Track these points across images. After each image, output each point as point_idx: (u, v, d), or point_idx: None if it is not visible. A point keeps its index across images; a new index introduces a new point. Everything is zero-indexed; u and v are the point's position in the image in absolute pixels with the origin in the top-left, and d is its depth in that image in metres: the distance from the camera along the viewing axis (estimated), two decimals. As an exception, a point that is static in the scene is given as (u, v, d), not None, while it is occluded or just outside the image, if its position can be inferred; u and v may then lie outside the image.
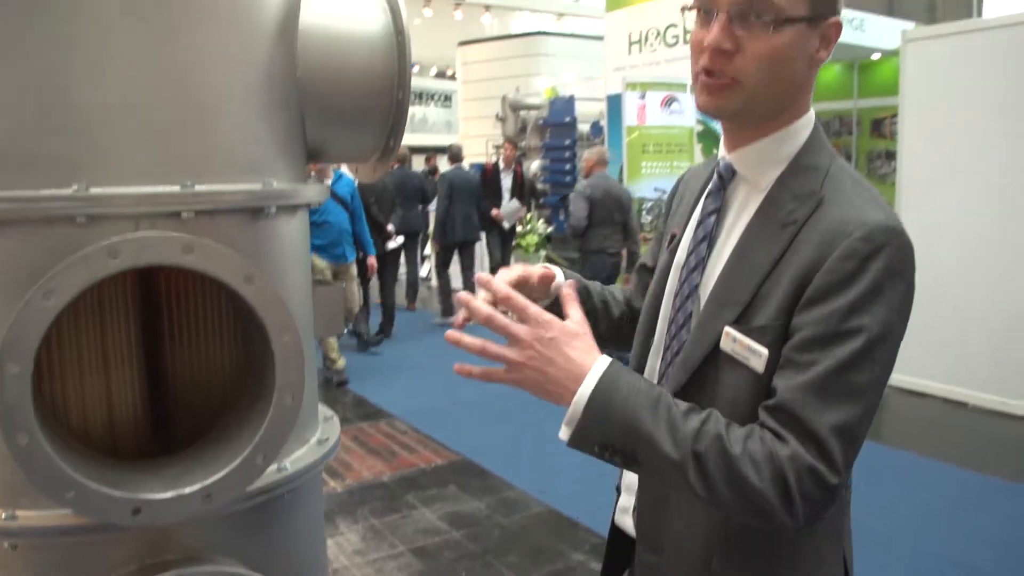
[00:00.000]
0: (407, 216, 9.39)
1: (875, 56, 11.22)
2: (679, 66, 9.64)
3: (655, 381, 1.37)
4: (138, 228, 1.23)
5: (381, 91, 1.55)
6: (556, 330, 1.14)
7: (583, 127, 12.34)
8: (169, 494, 1.20)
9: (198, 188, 1.26)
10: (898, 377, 5.86)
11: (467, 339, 1.14)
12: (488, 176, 9.79)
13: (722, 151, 1.36)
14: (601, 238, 6.85)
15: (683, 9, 1.28)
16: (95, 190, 1.20)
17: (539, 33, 18.02)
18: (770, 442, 1.09)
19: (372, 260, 7.40)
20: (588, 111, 12.49)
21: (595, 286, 1.66)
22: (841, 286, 1.12)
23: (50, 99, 1.20)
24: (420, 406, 6.09)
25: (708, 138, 9.34)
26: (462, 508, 4.17)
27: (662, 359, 1.37)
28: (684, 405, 1.14)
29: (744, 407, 1.18)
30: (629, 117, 8.65)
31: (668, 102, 8.81)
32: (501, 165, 9.94)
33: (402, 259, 9.72)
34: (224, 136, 1.33)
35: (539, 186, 12.35)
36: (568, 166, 12.37)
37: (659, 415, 1.10)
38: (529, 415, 5.71)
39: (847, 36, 8.17)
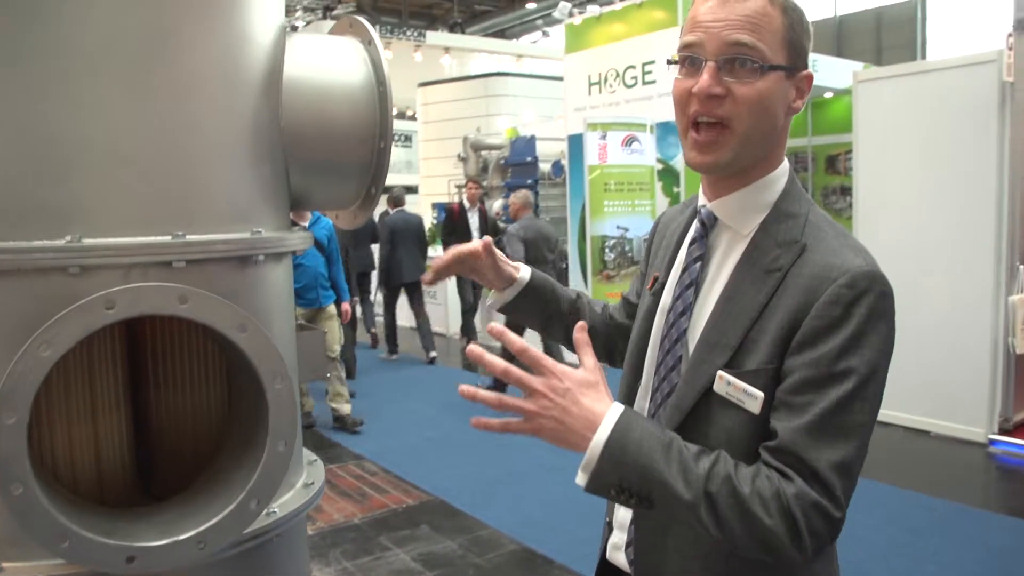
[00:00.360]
0: (360, 256, 9.44)
1: (828, 95, 11.54)
2: (638, 106, 9.83)
3: None
4: (129, 277, 1.25)
5: (363, 140, 1.59)
6: (571, 380, 1.18)
7: (544, 166, 12.47)
8: (164, 541, 1.21)
9: (189, 238, 1.28)
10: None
11: (483, 393, 1.18)
12: (456, 217, 9.83)
13: (702, 199, 1.42)
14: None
15: (669, 61, 1.34)
16: (88, 241, 1.22)
17: (499, 74, 18.26)
18: (776, 481, 1.14)
19: (347, 306, 7.07)
20: (548, 151, 12.63)
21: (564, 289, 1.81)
22: (829, 331, 1.17)
23: (41, 151, 1.22)
24: (388, 446, 6.06)
25: (668, 176, 9.52)
26: (435, 548, 4.14)
27: (651, 400, 1.40)
28: (694, 448, 1.18)
29: (739, 446, 1.23)
30: (591, 156, 8.78)
31: (629, 142, 8.97)
32: (467, 205, 9.99)
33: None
34: (213, 186, 1.36)
35: (500, 225, 12.43)
36: (531, 205, 12.46)
37: (671, 458, 1.14)
38: (499, 453, 5.72)
39: (800, 76, 8.30)
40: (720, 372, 1.25)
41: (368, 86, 1.59)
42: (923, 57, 21.10)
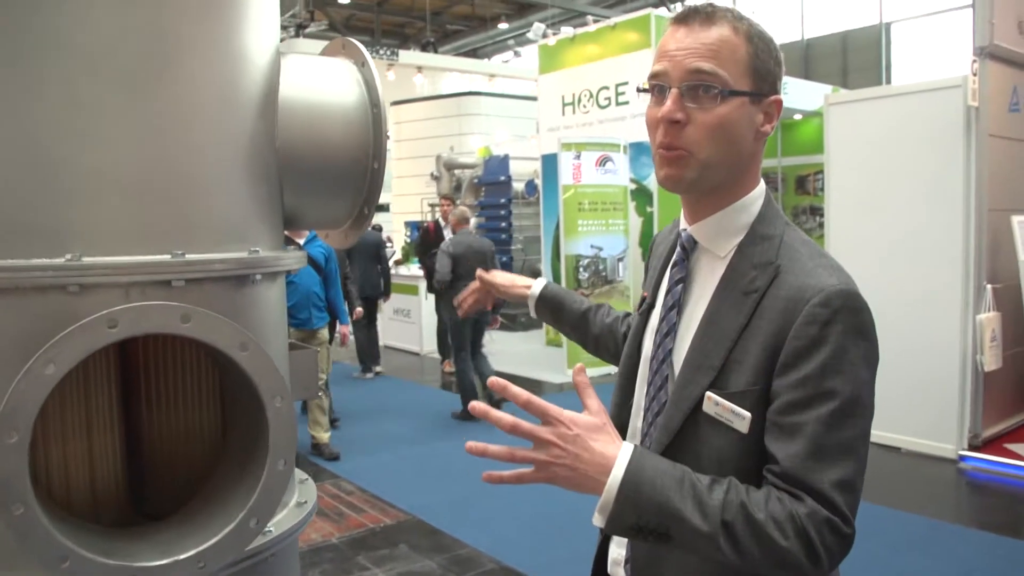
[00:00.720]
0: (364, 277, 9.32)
1: (797, 116, 11.73)
2: (612, 127, 9.92)
3: (639, 441, 1.44)
4: (129, 296, 1.25)
5: (356, 161, 1.60)
6: (579, 426, 1.21)
7: (517, 185, 12.54)
8: (164, 561, 1.20)
9: (189, 257, 1.29)
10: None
11: (493, 448, 1.21)
12: (432, 236, 9.84)
13: (683, 223, 1.47)
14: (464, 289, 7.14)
15: (639, 89, 1.40)
16: (88, 259, 1.22)
17: (472, 93, 18.34)
18: (788, 502, 1.18)
19: (345, 329, 6.87)
20: (521, 170, 12.72)
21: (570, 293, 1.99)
22: (809, 351, 1.22)
23: (40, 169, 1.22)
24: (364, 465, 6.03)
25: (641, 196, 9.60)
26: (415, 568, 4.13)
27: (643, 419, 1.44)
28: (706, 479, 1.21)
29: (730, 464, 1.28)
30: (565, 176, 8.84)
31: (603, 161, 9.05)
32: (442, 223, 10.01)
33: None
34: (210, 205, 1.36)
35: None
36: (504, 223, 12.52)
37: (685, 493, 1.18)
38: (475, 472, 5.70)
39: (770, 98, 8.46)
40: (708, 393, 1.29)
41: (362, 107, 1.61)
42: (888, 79, 21.51)
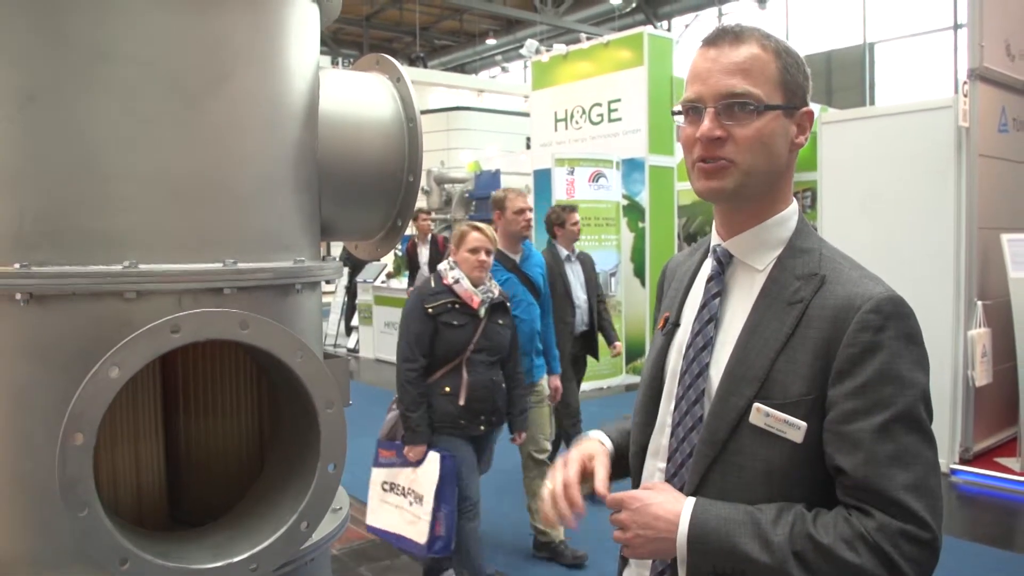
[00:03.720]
0: None
1: (785, 135, 11.86)
2: (604, 143, 9.99)
3: (665, 458, 1.44)
4: (181, 303, 1.28)
5: (392, 173, 1.64)
6: (639, 500, 1.32)
7: (509, 200, 12.58)
8: (219, 563, 1.23)
9: (240, 265, 1.32)
10: None
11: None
12: (411, 252, 9.83)
13: (715, 239, 1.48)
14: None
15: (674, 113, 1.43)
16: (144, 267, 1.25)
17: (461, 108, 18.40)
18: (856, 521, 1.19)
19: (556, 381, 4.65)
20: (513, 185, 12.76)
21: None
22: (864, 357, 1.24)
23: (97, 178, 1.25)
24: (361, 478, 6.01)
25: (633, 212, 9.67)
26: (416, 580, 4.14)
27: (672, 436, 1.43)
28: (771, 512, 1.24)
29: (780, 475, 1.28)
30: (558, 191, 8.89)
31: (596, 177, 9.10)
32: (418, 239, 9.87)
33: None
34: (259, 215, 1.40)
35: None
36: (495, 238, 12.54)
37: (751, 533, 1.23)
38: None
39: (760, 116, 8.45)
40: (757, 404, 1.29)
41: (398, 121, 1.65)
42: (871, 99, 21.74)
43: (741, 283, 1.42)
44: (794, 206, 1.44)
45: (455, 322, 3.63)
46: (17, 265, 1.20)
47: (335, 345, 11.90)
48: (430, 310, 3.61)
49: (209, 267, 1.30)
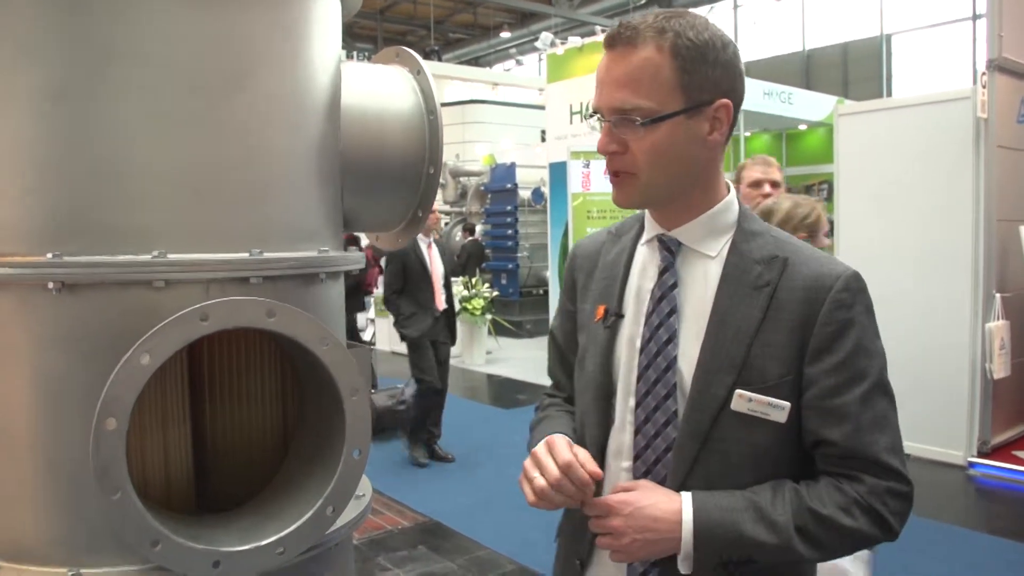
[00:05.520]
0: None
1: (802, 127, 11.82)
2: (619, 135, 9.97)
3: (631, 457, 1.42)
4: (209, 292, 1.30)
5: (413, 165, 1.66)
6: (630, 504, 1.30)
7: (524, 193, 12.60)
8: (247, 546, 1.26)
9: (266, 255, 1.34)
10: None
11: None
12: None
13: (656, 228, 1.45)
14: None
15: (587, 117, 1.45)
16: (173, 256, 1.27)
17: (476, 101, 18.41)
18: (848, 488, 1.28)
19: None
20: (526, 178, 12.78)
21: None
22: (840, 334, 1.30)
23: (124, 171, 1.27)
24: (380, 469, 6.07)
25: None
26: (435, 569, 4.17)
27: (639, 434, 1.40)
28: (767, 494, 1.28)
29: (765, 457, 1.33)
30: (574, 184, 8.91)
31: (611, 170, 9.11)
32: (419, 238, 9.44)
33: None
34: (283, 206, 1.42)
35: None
36: (510, 231, 12.58)
37: (754, 517, 1.26)
38: (492, 475, 5.75)
39: (776, 108, 8.56)
40: (740, 391, 1.31)
41: (418, 113, 1.66)
42: (888, 90, 21.62)
43: (694, 271, 1.41)
44: (733, 193, 1.45)
45: None
46: (49, 255, 1.22)
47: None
48: None
49: (236, 257, 1.32)
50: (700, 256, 1.40)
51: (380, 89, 1.67)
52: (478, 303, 10.24)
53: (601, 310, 1.50)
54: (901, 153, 6.21)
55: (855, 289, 1.32)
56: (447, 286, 6.62)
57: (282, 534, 1.28)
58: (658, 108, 1.29)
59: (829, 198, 11.15)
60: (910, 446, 6.50)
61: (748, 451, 1.32)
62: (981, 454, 5.94)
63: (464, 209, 13.66)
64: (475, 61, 28.66)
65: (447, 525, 4.86)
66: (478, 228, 13.04)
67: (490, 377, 10.10)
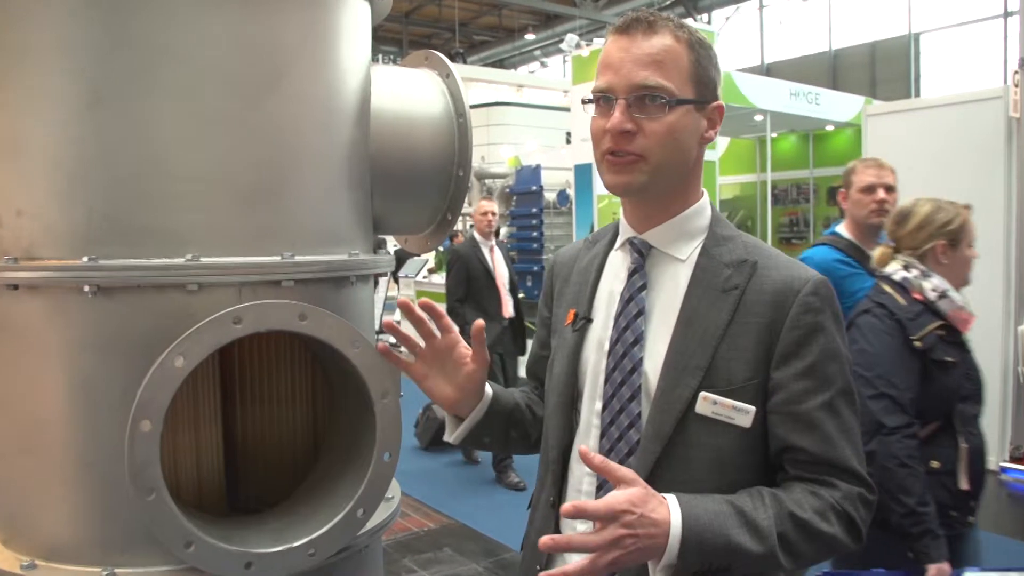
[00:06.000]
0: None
1: (829, 127, 11.71)
2: (644, 137, 9.93)
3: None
4: (241, 295, 1.31)
5: (442, 168, 1.66)
6: (636, 505, 1.14)
7: (549, 195, 12.59)
8: (279, 548, 1.27)
9: (297, 258, 1.35)
10: None
11: (575, 554, 1.19)
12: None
13: (629, 231, 1.45)
14: None
15: (584, 101, 1.40)
16: (206, 260, 1.28)
17: (501, 104, 18.43)
18: (824, 493, 1.26)
19: None
20: (552, 180, 12.77)
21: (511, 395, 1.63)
22: (808, 339, 1.29)
23: (159, 174, 1.29)
24: (404, 470, 6.07)
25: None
26: (460, 571, 4.18)
27: (604, 437, 1.38)
28: (748, 499, 1.23)
29: (729, 462, 1.30)
30: (600, 186, 8.88)
31: (637, 171, 9.08)
32: (478, 239, 7.09)
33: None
34: (314, 209, 1.43)
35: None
36: (536, 233, 12.57)
37: (739, 523, 1.20)
38: (521, 477, 5.75)
39: (803, 109, 8.47)
40: (704, 393, 1.28)
41: (447, 116, 1.67)
42: (917, 91, 21.39)
43: (664, 274, 1.40)
44: (706, 197, 1.44)
45: (947, 358, 2.41)
46: (85, 259, 1.24)
47: (378, 337, 12.04)
48: (918, 343, 2.37)
49: (268, 260, 1.33)
50: (670, 259, 1.40)
51: (409, 92, 1.68)
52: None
53: (571, 314, 1.50)
54: (931, 154, 6.14)
55: (824, 295, 1.31)
56: (513, 292, 6.11)
57: (313, 536, 1.29)
58: (678, 92, 1.31)
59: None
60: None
61: (711, 456, 1.29)
62: (1013, 459, 5.85)
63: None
64: (500, 63, 28.70)
65: (473, 527, 4.86)
66: (503, 231, 13.04)
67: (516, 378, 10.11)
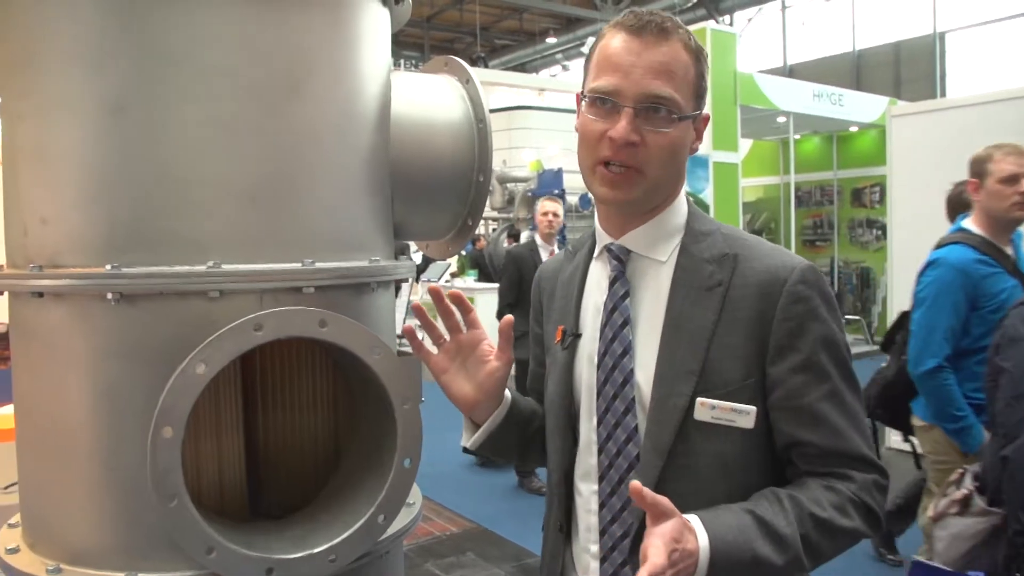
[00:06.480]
0: None
1: (853, 129, 11.62)
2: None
3: (597, 478, 1.35)
4: (262, 302, 1.32)
5: (463, 174, 1.66)
6: (679, 541, 1.10)
7: (571, 199, 12.58)
8: (300, 554, 1.27)
9: (318, 265, 1.36)
10: (896, 439, 5.96)
11: None
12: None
13: (605, 238, 1.41)
14: None
15: (580, 97, 1.33)
16: (227, 267, 1.29)
17: (522, 107, 18.42)
18: (839, 485, 1.23)
19: None
20: (574, 183, 12.74)
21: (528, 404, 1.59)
22: (801, 329, 1.24)
23: (180, 182, 1.29)
24: (427, 474, 6.07)
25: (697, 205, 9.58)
26: (483, 575, 4.19)
27: (601, 453, 1.34)
28: (768, 506, 1.19)
29: (735, 466, 1.27)
30: (620, 189, 8.88)
31: (659, 174, 9.06)
32: (539, 242, 6.14)
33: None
34: (335, 216, 1.43)
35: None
36: (558, 236, 12.55)
37: (761, 533, 1.16)
38: (543, 482, 5.73)
39: (826, 110, 8.43)
40: (701, 399, 1.24)
41: (467, 122, 1.67)
42: (943, 91, 21.17)
43: (646, 279, 1.36)
44: (682, 192, 1.40)
45: None
46: (108, 266, 1.25)
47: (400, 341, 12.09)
48: None
49: (289, 267, 1.33)
50: (650, 262, 1.36)
51: (429, 98, 1.68)
52: (525, 309, 10.21)
53: (560, 331, 1.46)
54: (957, 155, 6.06)
55: (811, 281, 1.26)
56: None
57: (334, 542, 1.29)
58: (684, 107, 1.27)
59: (881, 201, 10.96)
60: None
61: (716, 462, 1.25)
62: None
63: (512, 215, 13.67)
64: (522, 67, 28.70)
65: (495, 532, 4.85)
66: (525, 234, 13.04)
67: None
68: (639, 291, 1.35)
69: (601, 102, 1.27)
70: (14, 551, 1.39)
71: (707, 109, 1.39)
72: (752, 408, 1.24)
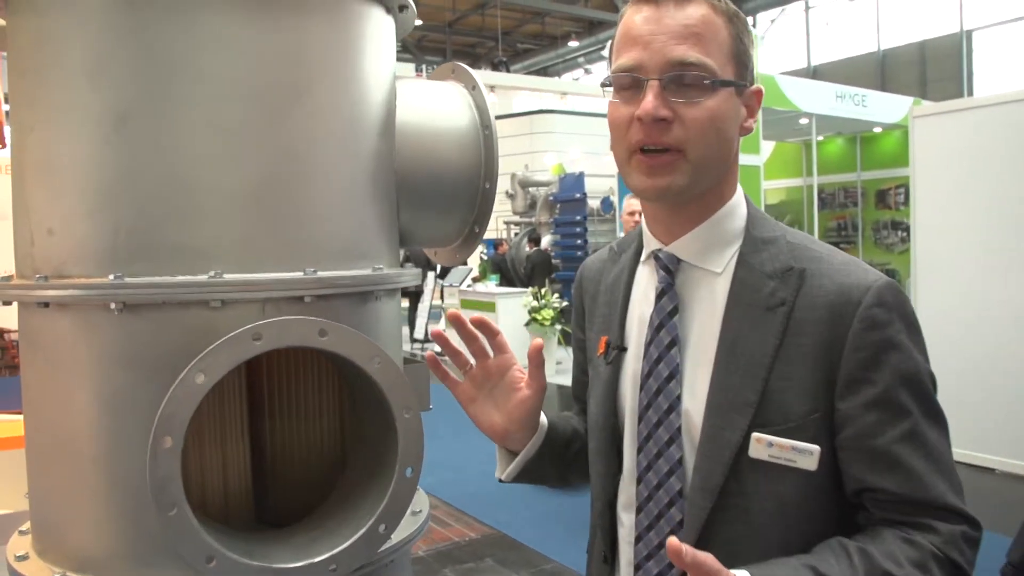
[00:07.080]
0: None
1: (877, 129, 11.52)
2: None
3: (634, 511, 1.25)
4: (264, 311, 1.32)
5: (469, 181, 1.66)
6: None
7: (593, 203, 12.57)
8: (300, 563, 1.27)
9: (320, 274, 1.35)
10: (1006, 459, 5.90)
11: None
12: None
13: (654, 243, 1.28)
14: None
15: (603, 85, 1.21)
16: (229, 276, 1.29)
17: (544, 111, 18.45)
18: (921, 540, 1.07)
19: None
20: (596, 187, 12.75)
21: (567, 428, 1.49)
22: (877, 359, 1.09)
23: (181, 190, 1.30)
24: (447, 480, 6.09)
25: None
26: (501, 582, 4.18)
27: (641, 483, 1.23)
28: (830, 560, 1.05)
29: (794, 512, 1.12)
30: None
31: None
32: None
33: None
34: (338, 224, 1.43)
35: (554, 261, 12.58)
36: (580, 240, 12.56)
37: None
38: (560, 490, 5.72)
39: (849, 111, 8.40)
40: (757, 435, 1.11)
41: (474, 129, 1.66)
42: (970, 90, 20.92)
43: (698, 292, 1.22)
44: (740, 193, 1.25)
45: None
46: (112, 276, 1.25)
47: (423, 346, 12.14)
48: None
49: (290, 276, 1.33)
50: (703, 273, 1.21)
51: (435, 105, 1.68)
52: (547, 313, 10.22)
53: (603, 343, 1.34)
54: (982, 155, 5.99)
55: (891, 303, 1.10)
56: None
57: (334, 551, 1.29)
58: (719, 72, 1.12)
59: (905, 203, 10.84)
60: (994, 460, 6.25)
61: (773, 507, 1.12)
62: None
63: (533, 219, 13.69)
64: (543, 71, 28.74)
65: (514, 538, 4.84)
66: (547, 238, 13.05)
67: (560, 388, 10.07)
68: (690, 307, 1.21)
69: (625, 82, 1.16)
70: (23, 558, 1.40)
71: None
72: (815, 448, 1.09)
